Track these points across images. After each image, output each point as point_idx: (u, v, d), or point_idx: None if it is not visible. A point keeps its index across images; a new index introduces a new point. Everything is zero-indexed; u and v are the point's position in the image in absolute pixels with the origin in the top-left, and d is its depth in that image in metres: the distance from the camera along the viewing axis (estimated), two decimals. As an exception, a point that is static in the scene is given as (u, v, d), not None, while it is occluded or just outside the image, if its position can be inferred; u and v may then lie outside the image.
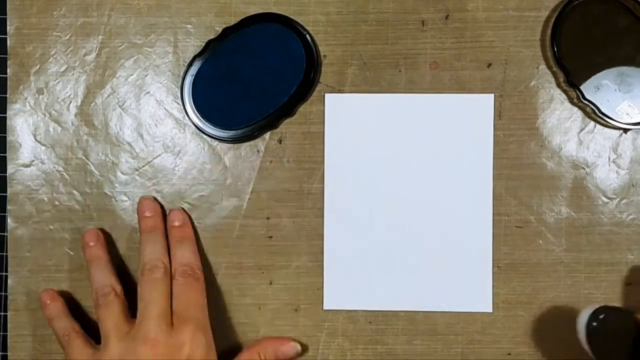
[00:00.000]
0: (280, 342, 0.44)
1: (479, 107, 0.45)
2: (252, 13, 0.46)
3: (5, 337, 0.47)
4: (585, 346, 0.39)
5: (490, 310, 0.45)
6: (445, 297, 0.45)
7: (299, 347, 0.45)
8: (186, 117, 0.46)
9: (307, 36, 0.45)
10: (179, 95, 0.46)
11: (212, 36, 0.46)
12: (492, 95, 0.45)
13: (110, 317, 0.41)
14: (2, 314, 0.47)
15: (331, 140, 0.46)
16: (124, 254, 0.46)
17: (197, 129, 0.46)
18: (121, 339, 0.40)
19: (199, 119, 0.45)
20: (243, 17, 0.45)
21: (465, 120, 0.45)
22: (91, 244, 0.44)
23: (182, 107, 0.46)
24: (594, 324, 0.38)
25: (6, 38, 0.47)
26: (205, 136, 0.46)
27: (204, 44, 0.45)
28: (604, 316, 0.38)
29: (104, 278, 0.43)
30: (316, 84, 0.46)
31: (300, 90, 0.45)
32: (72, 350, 0.42)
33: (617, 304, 0.45)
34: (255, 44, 0.45)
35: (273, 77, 0.45)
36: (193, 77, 0.45)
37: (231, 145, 0.46)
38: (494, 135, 0.45)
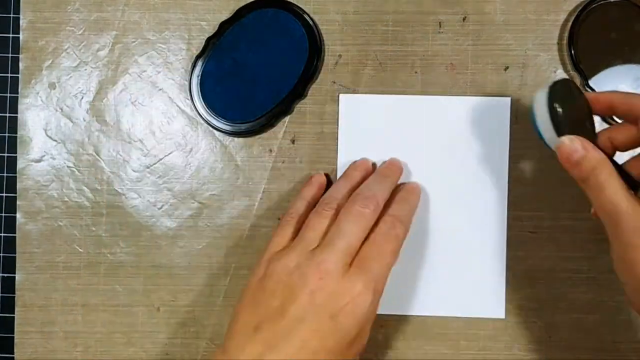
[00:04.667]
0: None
1: (496, 110, 0.45)
2: (267, 11, 0.45)
3: (2, 338, 0.46)
4: (544, 124, 0.36)
5: (503, 317, 0.45)
6: (458, 302, 0.45)
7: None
8: (199, 117, 0.45)
9: (305, 15, 0.45)
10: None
11: (227, 34, 0.45)
12: (509, 98, 0.45)
13: (316, 225, 0.39)
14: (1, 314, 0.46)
15: (345, 141, 0.45)
16: (133, 252, 0.46)
17: (212, 128, 0.45)
18: (302, 251, 0.38)
19: (214, 118, 0.45)
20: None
21: (482, 124, 0.45)
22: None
23: (194, 109, 0.45)
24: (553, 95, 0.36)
25: (17, 37, 0.46)
26: (217, 134, 0.46)
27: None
28: (560, 85, 0.37)
29: (338, 192, 0.41)
30: (322, 61, 0.45)
31: (308, 70, 0.45)
32: (276, 233, 0.41)
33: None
34: (254, 33, 0.45)
35: (279, 61, 0.45)
36: (199, 77, 0.45)
37: (243, 144, 0.46)
38: (510, 139, 0.45)
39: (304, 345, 0.35)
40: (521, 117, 0.45)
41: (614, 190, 0.33)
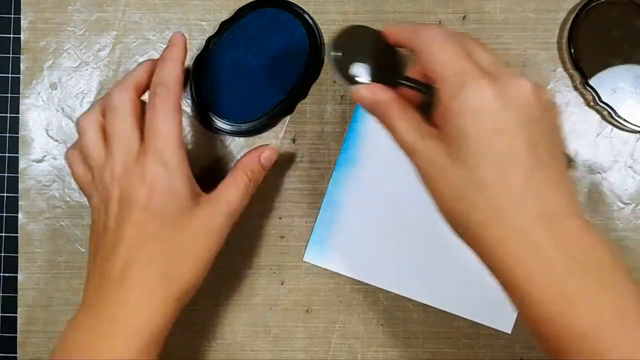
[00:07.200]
0: (259, 151, 0.42)
1: None
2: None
3: (4, 338, 0.47)
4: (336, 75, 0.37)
5: (509, 332, 0.45)
6: (470, 304, 0.45)
7: (275, 147, 0.43)
8: (200, 117, 0.45)
9: (305, 15, 0.45)
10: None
11: (226, 33, 0.45)
12: None
13: (119, 126, 0.38)
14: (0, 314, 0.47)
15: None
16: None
17: (214, 128, 0.45)
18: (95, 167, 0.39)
19: (215, 118, 0.45)
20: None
21: None
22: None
23: (194, 109, 0.45)
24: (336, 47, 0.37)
25: (18, 38, 0.46)
26: (215, 130, 0.46)
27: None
28: (345, 35, 0.37)
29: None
30: (323, 60, 0.45)
31: (309, 69, 0.45)
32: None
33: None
34: (254, 32, 0.45)
35: (279, 61, 0.45)
36: (200, 77, 0.45)
37: (244, 144, 0.46)
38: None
39: (131, 243, 0.37)
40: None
41: (404, 130, 0.34)
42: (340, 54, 0.36)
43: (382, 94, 0.35)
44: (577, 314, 0.30)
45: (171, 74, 0.39)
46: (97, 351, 0.35)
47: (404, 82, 0.35)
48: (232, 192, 0.40)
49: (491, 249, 0.31)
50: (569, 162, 0.41)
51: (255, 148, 0.43)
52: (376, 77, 0.36)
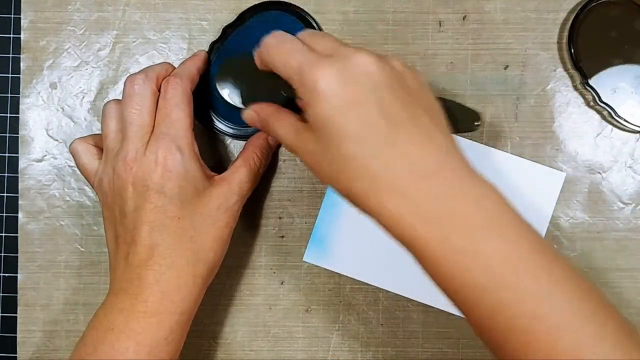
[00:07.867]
0: (265, 135, 0.43)
1: (547, 181, 0.45)
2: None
3: (4, 338, 0.47)
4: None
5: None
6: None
7: None
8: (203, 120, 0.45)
9: (308, 17, 0.45)
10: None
11: (227, 34, 0.45)
12: (565, 174, 0.45)
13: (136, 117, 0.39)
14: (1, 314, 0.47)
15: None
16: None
17: (217, 131, 0.45)
18: (111, 155, 0.40)
19: (218, 121, 0.45)
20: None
21: (528, 189, 0.45)
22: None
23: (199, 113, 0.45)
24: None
25: (18, 37, 0.46)
26: (220, 135, 0.46)
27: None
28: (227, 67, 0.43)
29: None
30: None
31: None
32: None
33: (633, 309, 0.45)
34: (258, 36, 0.44)
35: None
36: (205, 80, 0.45)
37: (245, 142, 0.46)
38: (510, 138, 0.45)
39: (152, 227, 0.37)
40: (521, 115, 0.45)
41: (283, 134, 0.36)
42: (225, 86, 0.42)
43: (262, 111, 0.38)
44: (468, 266, 0.30)
45: (185, 70, 0.41)
46: (132, 331, 0.37)
47: (286, 93, 0.37)
48: (243, 173, 0.41)
49: (379, 214, 0.32)
50: (475, 119, 0.41)
51: (260, 133, 0.44)
52: (261, 97, 0.39)
